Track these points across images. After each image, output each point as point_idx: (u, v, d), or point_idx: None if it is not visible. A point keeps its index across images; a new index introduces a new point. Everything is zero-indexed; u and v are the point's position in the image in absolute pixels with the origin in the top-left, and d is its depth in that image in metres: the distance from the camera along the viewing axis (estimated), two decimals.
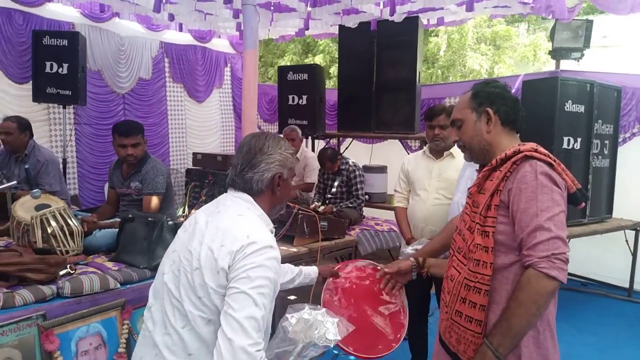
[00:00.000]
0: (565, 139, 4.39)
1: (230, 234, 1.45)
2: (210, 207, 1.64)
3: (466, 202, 1.67)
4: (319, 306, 2.00)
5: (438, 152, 3.10)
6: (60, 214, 2.71)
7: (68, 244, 2.67)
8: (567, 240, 1.41)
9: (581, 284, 5.33)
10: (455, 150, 3.07)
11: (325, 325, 1.87)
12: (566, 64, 5.49)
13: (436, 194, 3.05)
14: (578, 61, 5.14)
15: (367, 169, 5.42)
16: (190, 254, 1.49)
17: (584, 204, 1.58)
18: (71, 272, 2.41)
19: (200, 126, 7.54)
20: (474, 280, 1.49)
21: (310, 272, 2.17)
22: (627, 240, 4.84)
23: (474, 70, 9.66)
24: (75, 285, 2.29)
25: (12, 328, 2.02)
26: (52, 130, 5.83)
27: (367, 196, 5.22)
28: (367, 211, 4.98)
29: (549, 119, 4.33)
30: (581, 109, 4.43)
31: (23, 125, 3.77)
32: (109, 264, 2.64)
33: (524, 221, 1.42)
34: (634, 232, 4.83)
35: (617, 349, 3.91)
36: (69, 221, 2.72)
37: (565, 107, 4.34)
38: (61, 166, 4.23)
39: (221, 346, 1.32)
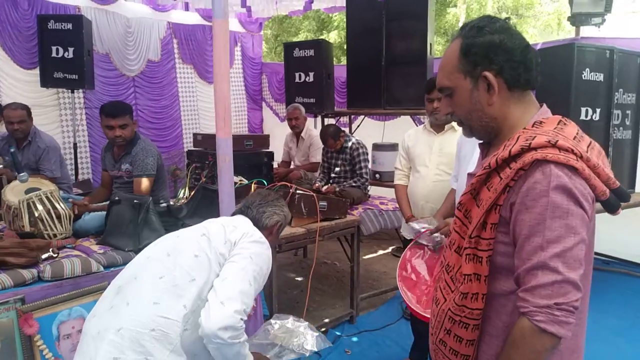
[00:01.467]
0: (583, 109, 4.13)
1: (241, 224, 1.79)
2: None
3: (455, 214, 1.26)
4: (301, 319, 2.19)
5: (439, 126, 2.96)
6: (47, 197, 2.69)
7: (55, 227, 2.65)
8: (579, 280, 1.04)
9: (602, 262, 5.10)
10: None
11: (305, 337, 2.07)
12: (588, 31, 5.18)
13: (437, 170, 2.91)
14: (599, 27, 4.82)
15: (377, 147, 5.26)
16: (202, 226, 1.78)
17: (620, 210, 1.17)
18: (54, 255, 2.38)
19: (213, 107, 7.46)
20: (460, 314, 1.17)
21: None
22: None
23: None
24: (56, 269, 2.26)
25: None
26: (63, 114, 5.87)
27: (377, 175, 5.09)
28: (378, 190, 4.85)
29: (565, 89, 4.07)
30: (600, 77, 4.14)
31: (29, 111, 3.77)
32: (96, 247, 2.62)
33: (525, 252, 1.06)
34: None
35: (636, 330, 3.71)
36: (56, 204, 2.69)
37: (583, 76, 4.06)
38: (62, 151, 4.23)
39: (211, 307, 1.47)
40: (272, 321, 2.11)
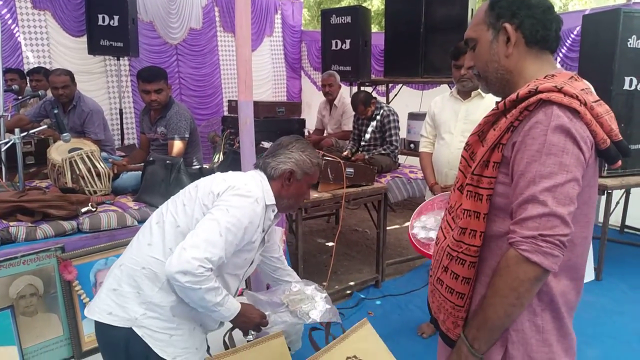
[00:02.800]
0: (627, 79, 3.94)
1: (232, 178, 1.74)
2: None
3: (462, 155, 1.32)
4: (324, 290, 2.11)
5: (465, 93, 2.93)
6: (88, 156, 2.87)
7: (95, 184, 2.84)
8: (568, 216, 1.07)
9: None
10: None
11: (316, 306, 1.98)
12: None
13: (461, 137, 2.89)
14: None
15: (413, 116, 5.22)
16: (201, 179, 1.81)
17: (620, 162, 1.20)
18: (92, 209, 2.56)
19: (252, 76, 7.57)
20: (457, 249, 1.22)
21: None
22: None
23: None
24: (94, 222, 2.45)
25: (32, 258, 2.22)
26: (109, 81, 6.13)
27: (412, 145, 5.07)
28: (413, 160, 4.84)
29: (608, 57, 3.90)
30: None
31: (73, 77, 3.97)
32: (132, 204, 2.79)
33: (519, 187, 1.10)
34: None
35: None
36: (96, 163, 2.88)
37: (629, 43, 3.87)
38: (109, 117, 4.45)
39: (175, 251, 1.53)
40: (294, 284, 2.08)
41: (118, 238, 2.50)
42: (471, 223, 1.19)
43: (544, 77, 1.17)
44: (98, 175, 2.87)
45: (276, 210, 1.81)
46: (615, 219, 5.01)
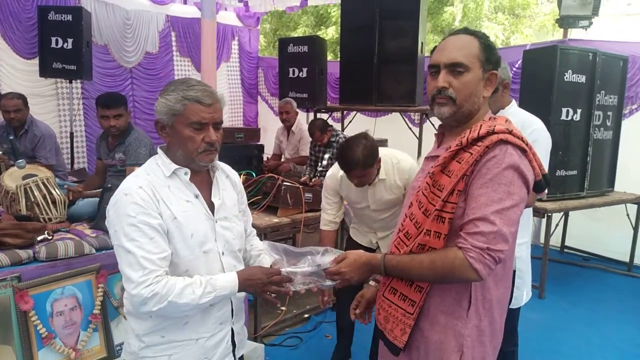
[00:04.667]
0: (564, 109, 4.28)
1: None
2: None
3: (425, 181, 1.43)
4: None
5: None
6: (43, 183, 2.82)
7: (50, 211, 2.79)
8: (510, 236, 1.29)
9: (582, 258, 5.26)
10: (384, 172, 2.63)
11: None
12: (578, 33, 5.32)
13: (376, 206, 2.75)
14: (586, 29, 4.97)
15: None
16: None
17: (546, 190, 1.50)
18: (49, 237, 2.51)
19: None
20: None
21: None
22: (628, 215, 4.73)
23: None
24: (51, 250, 2.40)
25: None
26: (60, 104, 6.00)
27: None
28: None
29: (547, 90, 4.22)
30: (582, 79, 4.30)
31: (26, 101, 3.89)
32: (89, 231, 2.75)
33: (470, 207, 1.30)
34: (635, 206, 4.72)
35: (605, 322, 3.87)
36: (52, 190, 2.83)
37: (565, 77, 4.22)
38: (58, 140, 4.36)
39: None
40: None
41: (75, 267, 2.45)
42: (431, 241, 1.36)
43: (489, 119, 1.42)
44: (54, 202, 2.82)
45: (185, 168, 1.57)
46: (555, 240, 5.33)
